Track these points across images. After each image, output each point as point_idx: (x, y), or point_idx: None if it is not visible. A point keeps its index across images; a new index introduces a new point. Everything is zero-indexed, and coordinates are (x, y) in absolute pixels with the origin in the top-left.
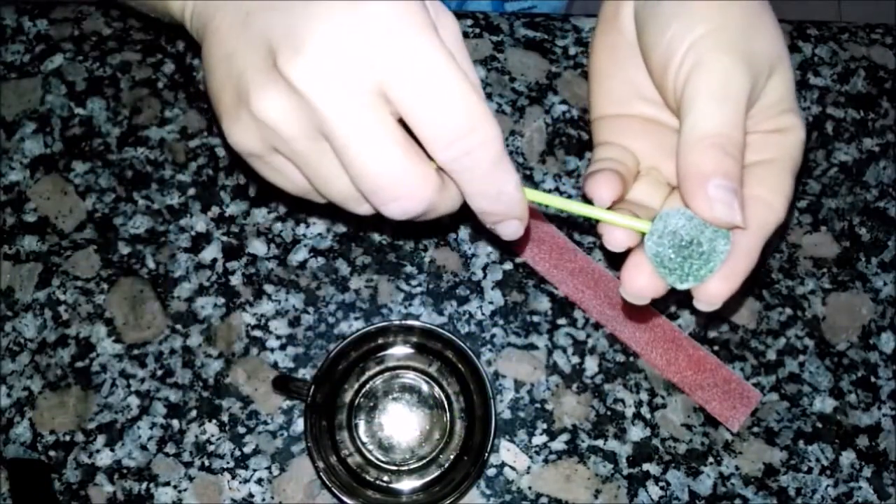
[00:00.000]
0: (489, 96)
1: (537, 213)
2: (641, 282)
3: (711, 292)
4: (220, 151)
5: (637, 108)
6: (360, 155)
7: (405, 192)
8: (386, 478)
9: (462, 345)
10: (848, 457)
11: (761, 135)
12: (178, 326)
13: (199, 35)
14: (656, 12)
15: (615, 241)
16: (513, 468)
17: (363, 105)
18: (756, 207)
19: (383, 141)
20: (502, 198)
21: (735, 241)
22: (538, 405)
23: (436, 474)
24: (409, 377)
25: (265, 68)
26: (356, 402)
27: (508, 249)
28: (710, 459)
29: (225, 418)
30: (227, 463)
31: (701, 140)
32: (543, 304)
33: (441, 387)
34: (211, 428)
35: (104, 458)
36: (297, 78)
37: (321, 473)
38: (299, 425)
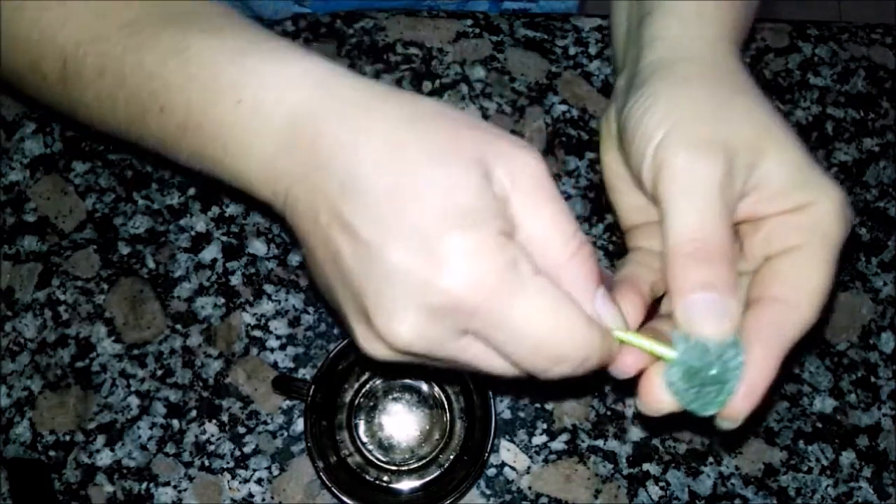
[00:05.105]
0: (489, 97)
1: None
2: (662, 402)
3: (731, 414)
4: None
5: (656, 215)
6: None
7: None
8: (386, 478)
9: None
10: (848, 457)
11: (780, 217)
12: (178, 326)
13: (292, 225)
14: (628, 121)
15: (625, 367)
16: (513, 468)
17: (458, 338)
18: (771, 310)
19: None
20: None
21: (750, 353)
22: (538, 405)
23: (436, 474)
24: (409, 377)
25: (365, 327)
26: (356, 402)
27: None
28: (710, 459)
29: (225, 418)
30: (227, 463)
31: (673, 252)
32: None
33: (441, 387)
34: (211, 428)
35: (104, 458)
36: (393, 340)
37: (321, 473)
38: (299, 425)
